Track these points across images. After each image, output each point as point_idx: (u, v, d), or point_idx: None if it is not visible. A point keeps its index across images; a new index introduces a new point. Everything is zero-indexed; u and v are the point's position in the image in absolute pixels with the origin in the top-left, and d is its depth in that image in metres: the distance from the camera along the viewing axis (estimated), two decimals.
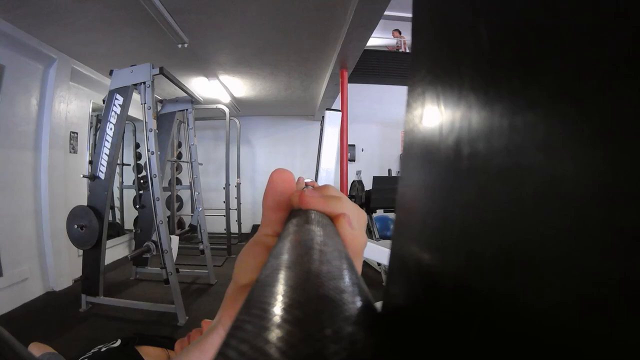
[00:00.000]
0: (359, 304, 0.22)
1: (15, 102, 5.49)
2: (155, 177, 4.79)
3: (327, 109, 2.46)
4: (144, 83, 4.87)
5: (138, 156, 8.46)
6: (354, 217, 0.44)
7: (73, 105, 6.57)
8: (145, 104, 4.83)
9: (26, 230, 5.74)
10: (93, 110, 7.35)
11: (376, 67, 8.04)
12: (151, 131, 4.81)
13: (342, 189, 6.28)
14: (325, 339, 0.18)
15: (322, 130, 2.43)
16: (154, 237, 5.14)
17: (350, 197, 4.58)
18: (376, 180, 7.11)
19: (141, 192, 8.19)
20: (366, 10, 4.78)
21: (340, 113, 2.46)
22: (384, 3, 4.78)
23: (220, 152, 10.34)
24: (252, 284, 0.26)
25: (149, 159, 4.82)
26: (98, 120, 7.66)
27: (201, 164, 7.09)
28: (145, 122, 4.83)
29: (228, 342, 0.18)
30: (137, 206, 7.29)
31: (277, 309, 0.20)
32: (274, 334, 0.18)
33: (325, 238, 0.34)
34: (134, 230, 8.43)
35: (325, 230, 0.37)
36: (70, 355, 2.17)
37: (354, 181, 7.65)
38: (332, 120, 2.44)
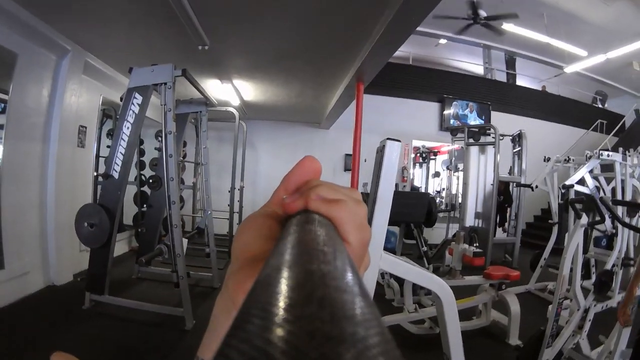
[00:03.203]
0: (359, 304, 0.22)
1: (27, 93, 5.42)
2: (172, 180, 4.72)
3: (388, 139, 2.38)
4: (165, 84, 4.77)
5: (141, 153, 8.37)
6: (353, 220, 0.42)
7: (84, 99, 6.48)
8: (165, 105, 4.74)
9: (30, 223, 5.65)
10: (102, 104, 7.27)
11: (382, 79, 8.02)
12: (170, 134, 4.72)
13: None
14: (326, 339, 0.18)
15: (381, 160, 2.35)
16: (167, 240, 5.05)
17: None
18: None
19: (142, 189, 8.13)
20: (396, 29, 4.78)
21: (400, 143, 2.38)
22: (415, 24, 4.77)
23: (223, 153, 10.41)
24: (263, 265, 0.29)
25: (167, 162, 4.73)
26: (105, 115, 7.60)
27: (204, 164, 6.99)
28: (165, 124, 4.74)
29: (228, 342, 0.18)
30: (144, 205, 7.23)
31: (278, 309, 0.20)
32: (275, 334, 0.18)
33: (326, 238, 0.33)
34: (134, 227, 8.39)
35: (326, 230, 0.36)
36: (78, 354, 2.08)
37: (362, 193, 7.60)
38: (393, 150, 2.36)
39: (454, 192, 10.99)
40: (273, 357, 0.16)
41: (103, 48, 6.20)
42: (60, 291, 5.81)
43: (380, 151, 2.43)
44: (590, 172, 5.83)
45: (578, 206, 4.28)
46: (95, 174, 6.80)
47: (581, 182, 5.63)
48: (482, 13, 11.70)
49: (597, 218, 4.34)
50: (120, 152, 4.87)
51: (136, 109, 4.85)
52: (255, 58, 6.43)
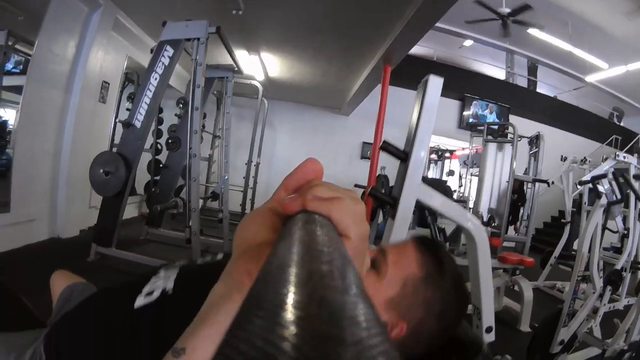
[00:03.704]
0: (358, 304, 0.22)
1: (54, 39, 5.39)
2: (196, 132, 4.69)
3: (431, 74, 2.36)
4: (198, 39, 4.77)
5: (160, 121, 8.36)
6: (351, 215, 0.44)
7: (110, 56, 6.47)
8: (196, 59, 4.73)
9: (42, 171, 5.64)
10: (127, 67, 7.28)
11: (405, 71, 8.01)
12: (199, 87, 4.71)
13: (370, 180, 6.26)
14: (325, 339, 0.18)
15: (422, 96, 2.32)
16: (183, 194, 5.03)
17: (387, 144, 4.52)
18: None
19: (157, 157, 8.13)
20: (429, 8, 4.74)
21: (442, 80, 2.36)
22: (449, 5, 4.74)
23: (242, 130, 10.38)
24: (270, 250, 0.31)
25: (192, 115, 4.72)
26: (127, 79, 7.60)
27: (226, 128, 7.02)
28: (194, 79, 4.73)
29: (228, 341, 0.18)
30: (157, 174, 7.22)
31: (278, 309, 0.20)
32: (275, 334, 0.18)
33: (325, 238, 0.34)
34: (145, 194, 8.40)
35: (325, 230, 0.37)
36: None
37: (379, 175, 7.63)
38: (435, 86, 2.34)
39: (466, 193, 11.01)
40: (273, 357, 0.16)
41: (135, 6, 6.19)
42: (65, 243, 5.79)
43: (422, 87, 2.41)
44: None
45: (599, 186, 4.28)
46: (117, 120, 6.78)
47: (596, 183, 5.64)
48: (505, 10, 11.71)
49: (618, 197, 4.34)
50: (145, 102, 4.86)
51: (166, 61, 4.85)
52: (286, 30, 6.43)
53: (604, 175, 4.41)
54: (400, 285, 1.04)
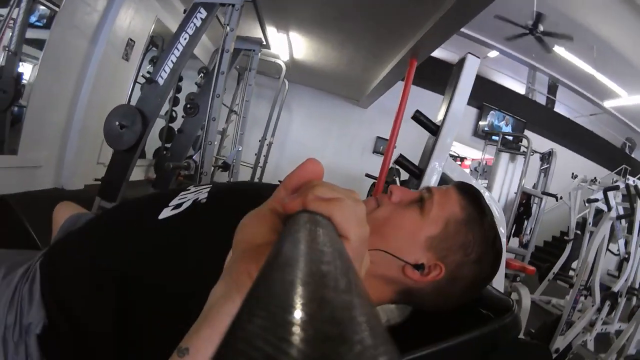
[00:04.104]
0: (359, 304, 0.23)
1: None
2: (219, 97, 4.69)
3: (468, 52, 2.37)
4: (233, 5, 4.74)
5: (178, 89, 8.35)
6: (351, 217, 0.44)
7: (139, 14, 6.46)
8: (228, 25, 4.72)
9: (56, 118, 5.63)
10: (154, 30, 7.26)
11: (428, 72, 8.03)
12: (227, 52, 4.70)
13: (383, 172, 6.26)
14: (326, 339, 0.18)
15: (458, 75, 2.34)
16: (195, 157, 5.03)
17: (386, 183, 4.59)
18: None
19: (171, 124, 8.12)
20: (464, 6, 4.73)
21: (479, 61, 2.38)
22: (483, 3, 4.73)
23: (258, 109, 10.35)
24: (269, 253, 0.31)
25: (217, 79, 4.69)
26: (152, 43, 7.59)
27: (247, 100, 7.05)
28: (224, 44, 4.72)
29: (228, 341, 0.19)
30: (169, 142, 7.21)
31: (278, 310, 0.20)
32: (275, 335, 0.18)
33: (325, 238, 0.34)
34: (154, 159, 8.39)
35: (325, 230, 0.37)
36: None
37: (391, 167, 7.65)
38: (472, 66, 2.36)
39: None
40: (273, 357, 0.16)
41: None
42: (68, 195, 5.63)
43: (459, 65, 2.43)
44: (613, 197, 5.89)
45: (610, 195, 4.31)
46: (141, 75, 6.79)
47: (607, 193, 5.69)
48: (541, 27, 11.69)
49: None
50: (172, 60, 4.79)
51: (198, 22, 4.79)
52: (319, 12, 6.39)
53: (616, 187, 4.44)
54: (443, 225, 1.03)
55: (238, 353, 0.17)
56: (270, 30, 7.34)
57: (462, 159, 12.26)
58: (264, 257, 0.31)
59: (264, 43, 6.52)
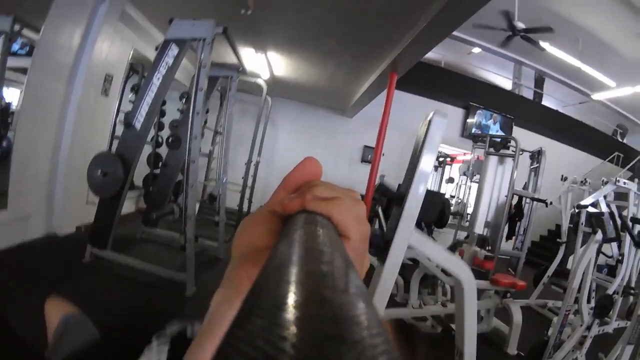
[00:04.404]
0: (358, 304, 0.22)
1: (60, 29, 5.35)
2: (196, 138, 4.64)
3: (435, 111, 2.34)
4: (204, 40, 4.70)
5: (162, 114, 8.32)
6: (351, 216, 0.43)
7: (115, 47, 6.42)
8: (201, 61, 4.67)
9: (41, 165, 5.59)
10: (132, 58, 7.19)
11: (412, 76, 8.01)
12: (201, 90, 4.67)
13: (369, 188, 6.27)
14: (326, 339, 0.18)
15: (425, 133, 2.31)
16: (180, 201, 5.02)
17: (374, 200, 4.61)
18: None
19: (158, 150, 8.10)
20: (441, 23, 4.78)
21: (446, 120, 2.35)
22: (461, 21, 4.74)
23: (243, 127, 10.38)
24: (268, 256, 0.30)
25: (193, 119, 4.65)
26: (132, 69, 7.56)
27: (227, 130, 7.02)
28: (197, 81, 4.68)
29: (228, 341, 0.18)
30: (157, 167, 7.21)
31: (278, 310, 0.20)
32: (275, 334, 0.18)
33: (325, 238, 0.34)
34: (143, 188, 8.38)
35: (325, 230, 0.37)
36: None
37: (379, 183, 7.66)
38: (439, 125, 2.33)
39: (465, 200, 11.06)
40: (273, 357, 0.16)
41: None
42: (61, 241, 5.77)
43: (426, 124, 2.40)
44: (604, 197, 5.85)
45: (595, 221, 4.31)
46: (116, 119, 6.78)
47: (594, 205, 5.66)
48: (520, 25, 11.67)
49: (612, 236, 4.36)
50: (147, 103, 4.79)
51: (170, 60, 4.79)
52: (295, 32, 6.40)
53: (601, 214, 4.45)
54: None
55: (238, 353, 0.17)
56: (249, 51, 7.35)
57: (452, 159, 12.26)
58: (263, 261, 0.30)
59: (241, 69, 6.48)
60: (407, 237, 2.31)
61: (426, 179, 2.35)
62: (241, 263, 0.45)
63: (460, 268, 2.37)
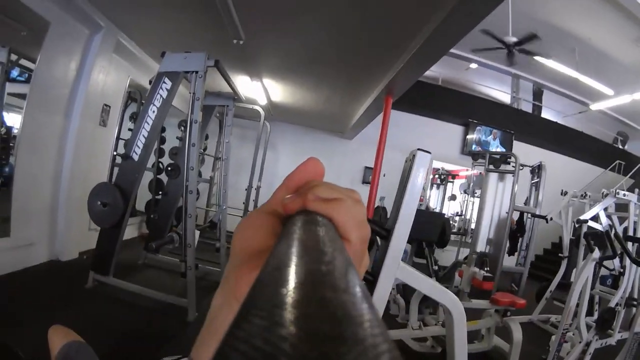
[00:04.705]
0: (359, 304, 0.22)
1: (54, 63, 5.42)
2: (192, 169, 4.69)
3: (418, 149, 2.37)
4: (196, 73, 4.76)
5: (162, 140, 8.36)
6: (352, 218, 0.43)
7: (111, 78, 6.49)
8: (194, 94, 4.73)
9: (42, 195, 5.65)
10: (129, 86, 7.28)
11: (410, 96, 8.03)
12: (196, 122, 4.71)
13: (368, 210, 6.28)
14: (326, 339, 0.18)
15: (409, 169, 2.33)
16: (180, 229, 5.04)
17: (371, 221, 4.58)
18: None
19: (159, 176, 8.13)
20: (432, 48, 4.85)
21: (430, 155, 2.38)
22: (450, 45, 4.80)
23: (243, 151, 10.47)
24: (264, 263, 0.29)
25: (189, 151, 4.69)
26: (130, 98, 7.61)
27: (225, 158, 7.10)
28: (191, 112, 4.73)
29: (228, 342, 0.18)
30: (159, 192, 7.24)
31: (278, 309, 0.20)
32: (275, 334, 0.18)
33: (325, 238, 0.34)
34: (145, 214, 8.40)
35: (325, 230, 0.37)
36: (75, 332, 2.10)
37: (377, 206, 7.64)
38: (422, 161, 2.35)
39: (467, 217, 11.02)
40: (273, 357, 0.16)
41: (136, 29, 6.23)
42: (64, 267, 5.80)
43: (410, 161, 2.42)
44: (605, 209, 5.84)
45: (591, 240, 4.31)
46: (114, 153, 6.84)
47: (595, 218, 5.64)
48: (511, 39, 11.70)
49: (609, 253, 4.36)
50: (143, 135, 4.85)
51: (164, 93, 4.84)
52: (289, 59, 6.45)
53: (598, 232, 4.45)
54: None
55: (238, 353, 0.17)
56: (244, 79, 7.41)
57: (454, 177, 12.24)
58: (263, 261, 0.31)
59: (237, 97, 6.52)
60: (394, 270, 2.33)
61: (411, 214, 2.36)
62: (240, 266, 0.45)
63: (448, 298, 2.39)
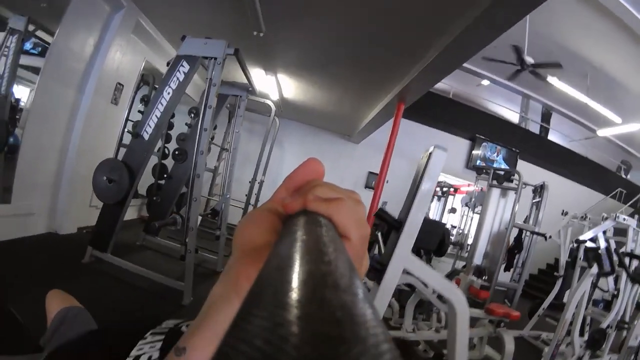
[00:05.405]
0: (359, 305, 0.22)
1: (73, 37, 5.43)
2: (202, 153, 4.69)
3: (435, 146, 2.38)
4: (215, 59, 4.76)
5: (170, 126, 8.37)
6: (352, 217, 0.44)
7: (127, 58, 6.50)
8: (211, 79, 4.73)
9: (47, 166, 5.66)
10: (144, 68, 7.29)
11: (420, 106, 8.03)
12: (210, 108, 4.71)
13: (372, 207, 6.29)
14: (326, 339, 0.18)
15: (424, 166, 2.35)
16: (182, 212, 5.04)
17: (374, 226, 4.61)
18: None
19: (164, 161, 8.13)
20: (450, 56, 4.82)
21: (446, 153, 2.39)
22: (466, 57, 4.81)
23: (250, 145, 10.48)
24: (266, 259, 0.30)
25: (200, 135, 4.71)
26: (142, 80, 7.61)
27: (233, 148, 7.12)
28: (207, 98, 4.73)
29: (228, 341, 0.18)
30: (162, 177, 7.24)
31: (278, 309, 0.20)
32: (275, 334, 0.18)
33: (325, 238, 0.34)
34: (147, 197, 8.40)
35: (325, 230, 0.37)
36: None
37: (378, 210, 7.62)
38: (438, 159, 2.36)
39: (466, 231, 11.00)
40: (273, 357, 0.16)
41: (158, 12, 6.23)
42: (62, 240, 5.81)
43: (425, 158, 2.43)
44: (604, 233, 5.85)
45: (591, 255, 4.33)
46: (126, 130, 6.85)
47: (593, 240, 5.65)
48: (529, 60, 11.67)
49: (607, 270, 4.38)
50: (156, 115, 4.87)
51: (181, 76, 4.85)
52: (306, 56, 6.47)
53: (598, 249, 4.47)
54: None
55: (238, 353, 0.17)
56: (259, 72, 7.40)
57: (455, 190, 12.23)
58: (263, 259, 0.31)
59: (251, 89, 6.53)
60: (403, 261, 2.35)
61: (424, 207, 2.38)
62: (240, 260, 0.46)
63: (454, 293, 2.40)
